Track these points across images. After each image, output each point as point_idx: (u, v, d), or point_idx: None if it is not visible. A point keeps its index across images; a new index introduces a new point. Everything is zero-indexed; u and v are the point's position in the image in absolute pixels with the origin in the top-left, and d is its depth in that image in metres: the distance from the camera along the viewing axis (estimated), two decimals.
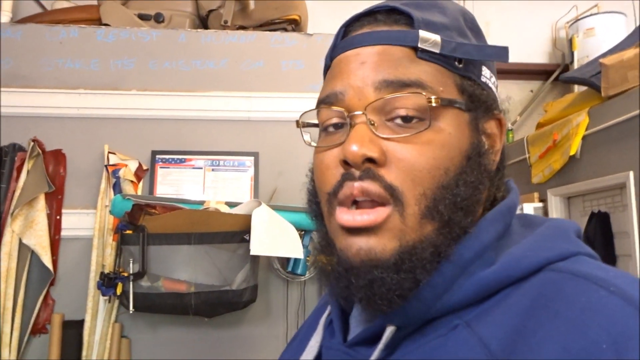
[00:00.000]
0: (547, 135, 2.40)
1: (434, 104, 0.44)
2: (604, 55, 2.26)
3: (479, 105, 0.48)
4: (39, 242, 1.50)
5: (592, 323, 0.35)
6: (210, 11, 1.86)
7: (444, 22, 0.48)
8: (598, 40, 2.87)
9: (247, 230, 1.43)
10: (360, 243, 0.44)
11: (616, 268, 0.41)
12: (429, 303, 0.43)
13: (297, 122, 0.55)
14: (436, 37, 0.46)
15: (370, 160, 0.44)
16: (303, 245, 1.50)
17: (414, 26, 0.47)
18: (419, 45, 0.46)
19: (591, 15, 2.97)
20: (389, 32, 0.48)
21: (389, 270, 0.43)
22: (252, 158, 1.67)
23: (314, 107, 0.51)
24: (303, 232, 1.57)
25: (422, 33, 0.46)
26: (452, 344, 0.41)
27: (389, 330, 0.44)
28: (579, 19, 3.02)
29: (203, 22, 1.90)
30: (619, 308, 0.36)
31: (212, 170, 1.65)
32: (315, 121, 0.53)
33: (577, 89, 2.88)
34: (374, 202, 0.44)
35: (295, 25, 1.87)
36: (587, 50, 2.90)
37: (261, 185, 1.66)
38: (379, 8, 0.49)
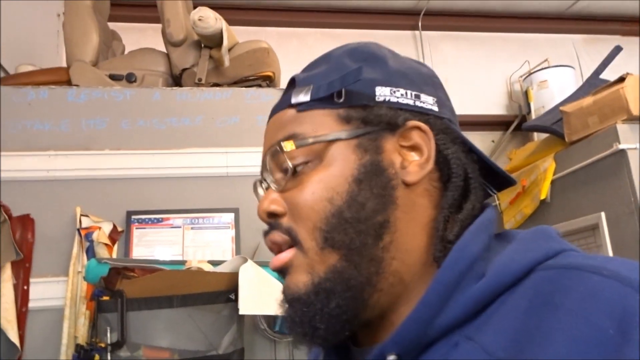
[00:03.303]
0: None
1: (293, 148, 0.49)
2: (562, 104, 2.38)
3: (375, 125, 0.50)
4: (4, 315, 1.38)
5: (594, 309, 0.36)
6: (184, 70, 1.85)
7: (321, 71, 0.53)
8: (551, 91, 3.03)
9: (233, 290, 1.37)
10: (285, 281, 0.50)
11: (603, 255, 0.41)
12: (425, 323, 0.43)
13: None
14: (306, 88, 0.52)
15: (273, 214, 0.50)
16: None
17: (295, 87, 0.53)
18: (292, 102, 0.52)
19: (542, 69, 3.15)
20: (279, 101, 0.55)
21: (304, 303, 0.47)
22: (232, 214, 1.63)
23: None
24: None
25: (295, 89, 0.52)
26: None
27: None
28: (532, 73, 3.19)
29: (176, 80, 1.90)
30: (616, 290, 0.36)
31: (191, 228, 1.59)
32: None
33: (537, 137, 3.00)
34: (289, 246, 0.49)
35: (269, 81, 1.88)
36: (542, 101, 3.05)
37: (243, 242, 1.61)
38: (289, 80, 0.56)
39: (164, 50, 1.93)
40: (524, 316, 0.39)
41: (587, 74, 2.68)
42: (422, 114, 0.51)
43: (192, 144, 1.67)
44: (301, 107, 0.51)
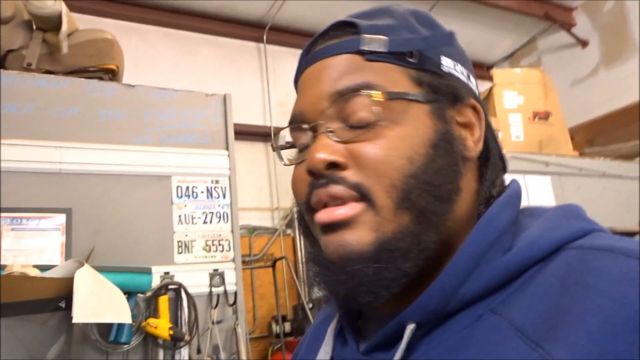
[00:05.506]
0: None
1: (381, 99, 0.46)
2: None
3: (443, 94, 0.49)
4: None
5: (631, 293, 0.35)
6: (10, 51, 1.64)
7: (390, 24, 0.50)
8: None
9: (63, 297, 1.24)
10: (337, 238, 0.45)
11: (633, 239, 0.41)
12: (448, 293, 0.42)
13: (272, 145, 0.57)
14: (381, 38, 0.48)
15: (332, 165, 0.46)
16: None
17: (360, 33, 0.49)
18: (363, 48, 0.48)
19: None
20: (336, 43, 0.50)
21: (367, 262, 0.44)
22: (63, 215, 1.48)
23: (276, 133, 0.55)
24: (127, 295, 1.43)
25: (366, 36, 0.48)
26: (480, 333, 0.40)
27: (410, 329, 0.42)
28: None
29: None
30: None
31: (12, 230, 1.41)
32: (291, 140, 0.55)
33: None
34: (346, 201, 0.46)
35: (112, 75, 1.77)
36: None
37: (75, 245, 1.47)
38: (333, 25, 0.52)
39: None
40: (556, 294, 0.38)
41: None
42: (470, 93, 0.52)
43: (19, 135, 1.48)
44: (372, 56, 0.48)
